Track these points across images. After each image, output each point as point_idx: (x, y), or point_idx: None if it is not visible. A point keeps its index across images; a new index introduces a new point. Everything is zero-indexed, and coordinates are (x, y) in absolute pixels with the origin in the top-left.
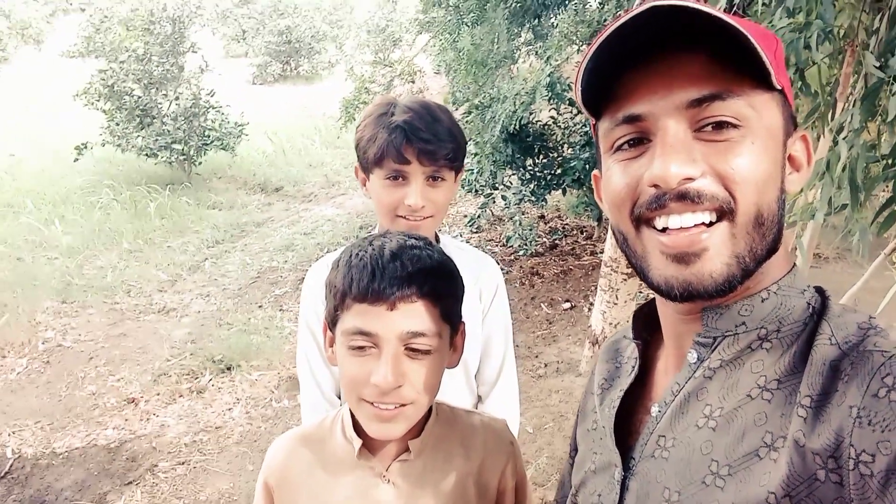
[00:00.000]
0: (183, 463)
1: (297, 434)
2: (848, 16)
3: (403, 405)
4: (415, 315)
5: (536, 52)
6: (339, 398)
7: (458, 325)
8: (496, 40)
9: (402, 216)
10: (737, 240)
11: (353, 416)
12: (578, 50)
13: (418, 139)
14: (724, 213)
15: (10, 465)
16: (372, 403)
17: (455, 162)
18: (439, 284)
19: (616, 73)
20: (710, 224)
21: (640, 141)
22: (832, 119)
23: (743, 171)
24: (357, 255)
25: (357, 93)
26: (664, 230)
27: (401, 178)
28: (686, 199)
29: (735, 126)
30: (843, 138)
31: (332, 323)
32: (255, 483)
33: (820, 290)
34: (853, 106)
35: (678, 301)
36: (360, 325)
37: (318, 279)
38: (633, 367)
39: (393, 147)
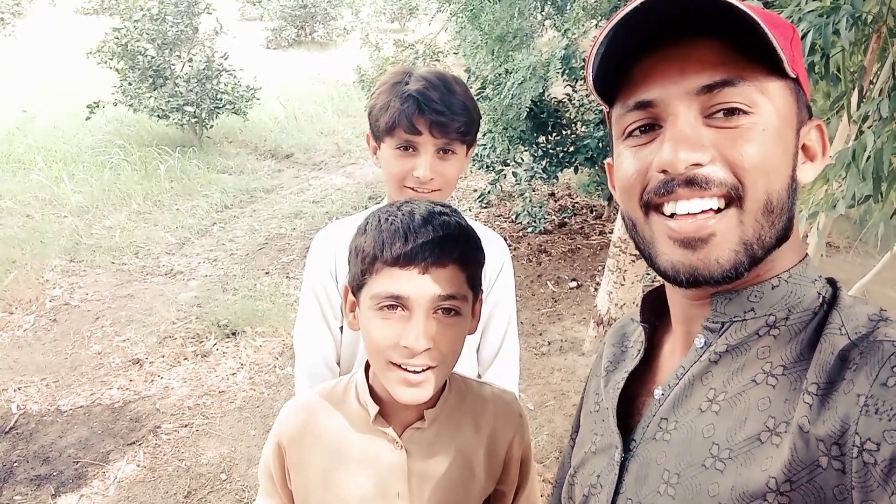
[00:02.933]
0: (186, 425)
1: (311, 397)
2: (877, 1)
3: (431, 367)
4: (445, 279)
5: (556, 25)
6: (339, 365)
7: (478, 293)
8: (516, 15)
9: (409, 187)
10: (745, 226)
11: (368, 382)
12: (598, 24)
13: (431, 110)
14: (733, 199)
15: (16, 421)
16: (400, 367)
17: (467, 136)
18: (467, 250)
19: (628, 59)
20: (719, 210)
21: (652, 127)
22: (857, 108)
23: (752, 158)
24: (387, 219)
25: (378, 71)
26: (672, 216)
27: (411, 149)
28: (694, 184)
29: (746, 113)
30: (870, 128)
31: (356, 288)
32: (256, 448)
33: (831, 281)
34: (879, 95)
35: (684, 286)
36: (391, 289)
37: (324, 247)
38: (640, 350)
39: (405, 116)
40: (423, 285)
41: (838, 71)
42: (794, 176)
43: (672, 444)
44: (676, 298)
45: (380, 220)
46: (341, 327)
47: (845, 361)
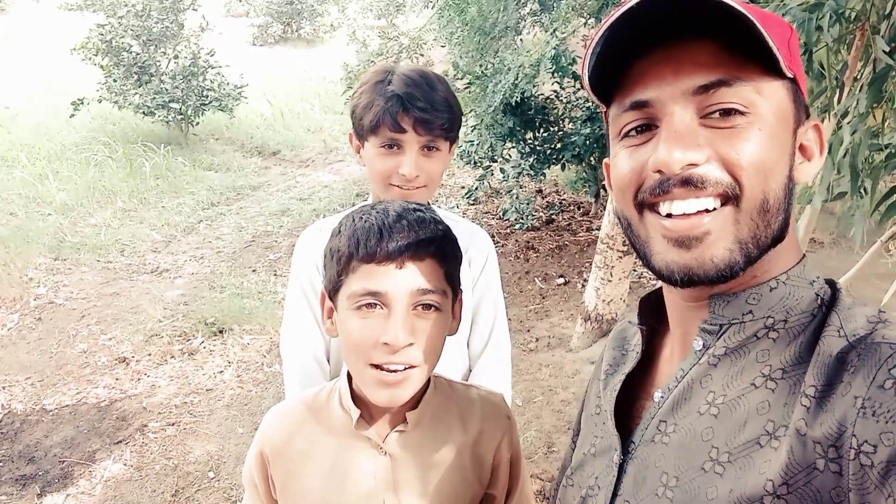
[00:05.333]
0: (173, 424)
1: (294, 404)
2: None
3: (411, 367)
4: (423, 273)
5: (542, 23)
6: (328, 362)
7: (458, 292)
8: (502, 9)
9: (395, 185)
10: (740, 225)
11: (350, 386)
12: (585, 23)
13: (415, 108)
14: (729, 198)
15: (0, 421)
16: (380, 367)
17: (450, 132)
18: (444, 245)
19: (624, 59)
20: (714, 210)
21: (648, 127)
22: (838, 103)
23: (749, 157)
24: (361, 218)
25: (363, 65)
26: (668, 216)
27: (395, 147)
28: (689, 184)
29: (742, 113)
30: (847, 123)
31: (333, 291)
32: (244, 446)
33: (830, 283)
34: (860, 91)
35: (679, 286)
36: (368, 286)
37: (311, 244)
38: (638, 353)
39: (389, 115)
40: (401, 280)
41: (822, 67)
42: (790, 176)
43: (671, 447)
44: (674, 300)
45: (354, 221)
46: None
47: (843, 364)
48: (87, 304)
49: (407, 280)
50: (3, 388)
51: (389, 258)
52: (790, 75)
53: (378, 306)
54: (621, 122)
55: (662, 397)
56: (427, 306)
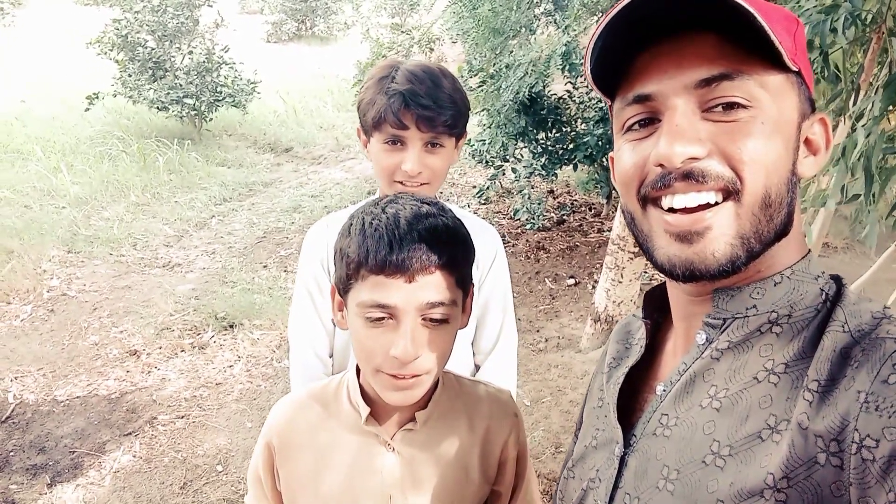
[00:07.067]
0: (182, 417)
1: (302, 397)
2: (877, 1)
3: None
4: (433, 286)
5: (555, 21)
6: (331, 357)
7: (469, 289)
8: (515, 8)
9: (398, 181)
10: (742, 220)
11: (359, 382)
12: (598, 21)
13: (417, 105)
14: (730, 193)
15: (12, 411)
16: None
17: (454, 129)
18: (456, 253)
19: (628, 53)
20: (716, 204)
21: (651, 121)
22: (853, 105)
23: (750, 152)
24: (371, 223)
25: (374, 58)
26: (670, 210)
27: (399, 143)
28: (691, 178)
29: (745, 107)
30: (862, 125)
31: (343, 290)
32: (253, 441)
33: (836, 278)
34: (875, 93)
35: (681, 281)
36: (377, 298)
37: (317, 240)
38: (642, 346)
39: (391, 112)
40: (410, 294)
41: (837, 69)
42: (794, 170)
43: (672, 440)
44: (677, 295)
45: (363, 224)
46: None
47: (847, 358)
48: (100, 297)
49: (416, 294)
50: (16, 378)
51: (399, 271)
52: (795, 69)
53: (387, 317)
54: (624, 115)
55: (665, 390)
56: (436, 318)
